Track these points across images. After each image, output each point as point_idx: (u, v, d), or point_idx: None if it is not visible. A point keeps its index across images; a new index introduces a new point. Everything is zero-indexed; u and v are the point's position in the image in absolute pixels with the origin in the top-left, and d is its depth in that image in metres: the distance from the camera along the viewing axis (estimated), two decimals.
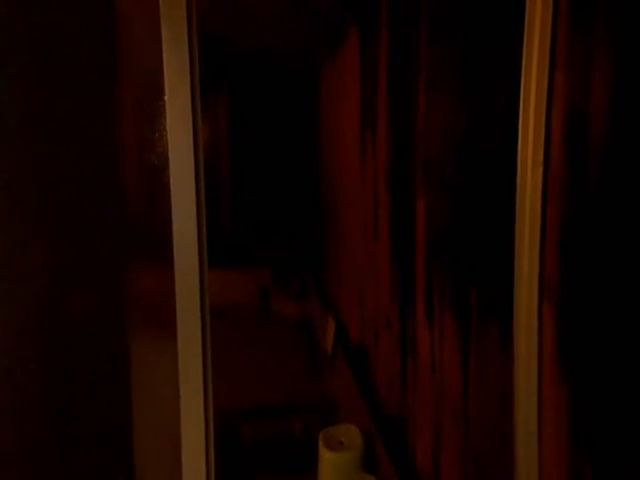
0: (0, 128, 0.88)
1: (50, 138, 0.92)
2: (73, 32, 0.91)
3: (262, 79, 4.39)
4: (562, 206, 0.88)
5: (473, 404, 1.23)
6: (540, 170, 0.91)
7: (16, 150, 0.90)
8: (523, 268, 0.94)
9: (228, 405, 2.58)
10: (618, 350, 0.77)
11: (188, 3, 0.79)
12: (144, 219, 1.00)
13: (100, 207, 0.94)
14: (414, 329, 1.64)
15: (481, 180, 1.18)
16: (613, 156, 0.77)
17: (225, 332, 3.57)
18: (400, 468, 1.72)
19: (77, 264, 0.92)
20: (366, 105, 2.29)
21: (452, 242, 1.35)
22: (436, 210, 1.45)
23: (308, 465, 2.20)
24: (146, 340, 0.99)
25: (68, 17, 0.91)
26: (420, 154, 1.56)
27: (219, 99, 4.43)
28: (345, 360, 2.66)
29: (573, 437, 0.86)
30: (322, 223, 4.04)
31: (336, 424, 2.36)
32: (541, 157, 0.90)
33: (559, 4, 0.87)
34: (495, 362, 1.12)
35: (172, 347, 0.81)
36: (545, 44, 0.88)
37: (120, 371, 0.94)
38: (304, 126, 4.40)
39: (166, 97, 0.79)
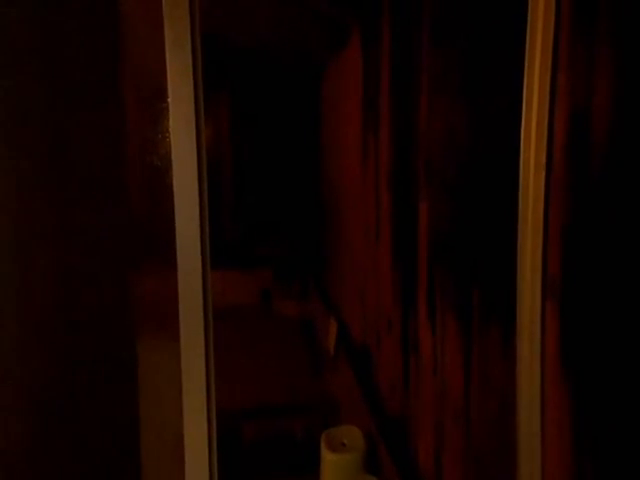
0: (3, 129, 0.88)
1: (53, 139, 0.92)
2: (76, 33, 0.91)
3: (263, 79, 4.39)
4: (565, 206, 0.88)
5: (475, 405, 1.23)
6: (542, 171, 0.91)
7: (19, 151, 0.90)
8: (526, 269, 0.94)
9: (230, 405, 2.58)
10: (621, 350, 0.77)
11: (191, 3, 0.79)
12: (147, 220, 1.00)
13: (104, 208, 0.94)
14: (416, 330, 1.64)
15: (483, 181, 1.18)
16: (615, 156, 0.77)
17: (227, 333, 3.58)
18: (402, 469, 1.72)
19: (83, 265, 0.93)
20: (368, 106, 2.29)
21: (454, 243, 1.35)
22: (438, 211, 1.45)
23: (309, 466, 2.20)
24: (149, 340, 0.99)
25: (70, 18, 0.91)
26: (422, 155, 1.56)
27: (221, 99, 4.43)
28: (347, 361, 2.66)
29: (576, 437, 0.86)
30: (323, 224, 4.04)
31: (337, 425, 2.36)
32: (544, 158, 0.90)
33: (561, 5, 0.87)
34: (497, 363, 1.12)
35: (175, 347, 0.81)
36: (547, 45, 0.88)
37: (127, 371, 0.94)
38: (306, 126, 4.40)
39: (169, 98, 0.79)
